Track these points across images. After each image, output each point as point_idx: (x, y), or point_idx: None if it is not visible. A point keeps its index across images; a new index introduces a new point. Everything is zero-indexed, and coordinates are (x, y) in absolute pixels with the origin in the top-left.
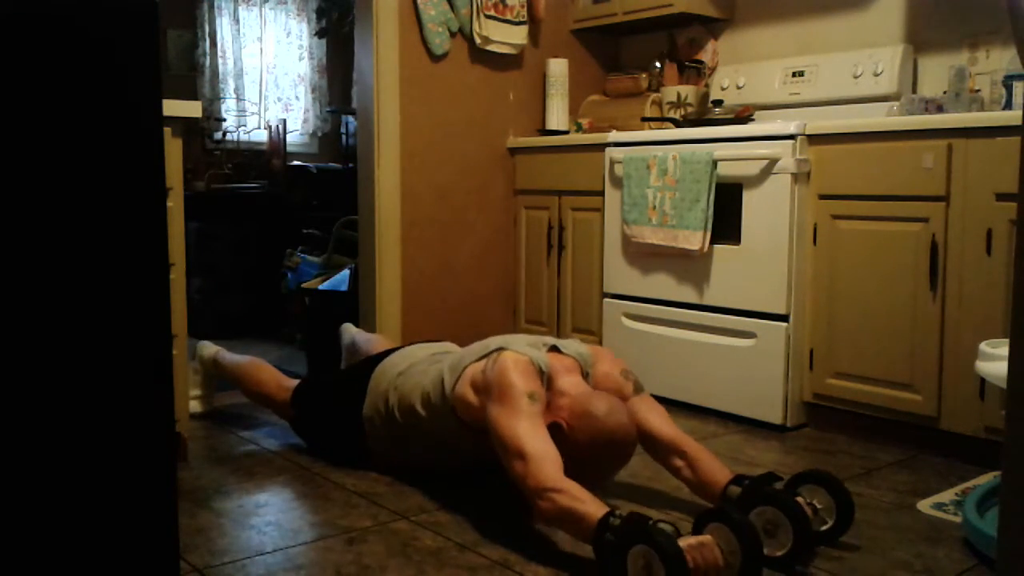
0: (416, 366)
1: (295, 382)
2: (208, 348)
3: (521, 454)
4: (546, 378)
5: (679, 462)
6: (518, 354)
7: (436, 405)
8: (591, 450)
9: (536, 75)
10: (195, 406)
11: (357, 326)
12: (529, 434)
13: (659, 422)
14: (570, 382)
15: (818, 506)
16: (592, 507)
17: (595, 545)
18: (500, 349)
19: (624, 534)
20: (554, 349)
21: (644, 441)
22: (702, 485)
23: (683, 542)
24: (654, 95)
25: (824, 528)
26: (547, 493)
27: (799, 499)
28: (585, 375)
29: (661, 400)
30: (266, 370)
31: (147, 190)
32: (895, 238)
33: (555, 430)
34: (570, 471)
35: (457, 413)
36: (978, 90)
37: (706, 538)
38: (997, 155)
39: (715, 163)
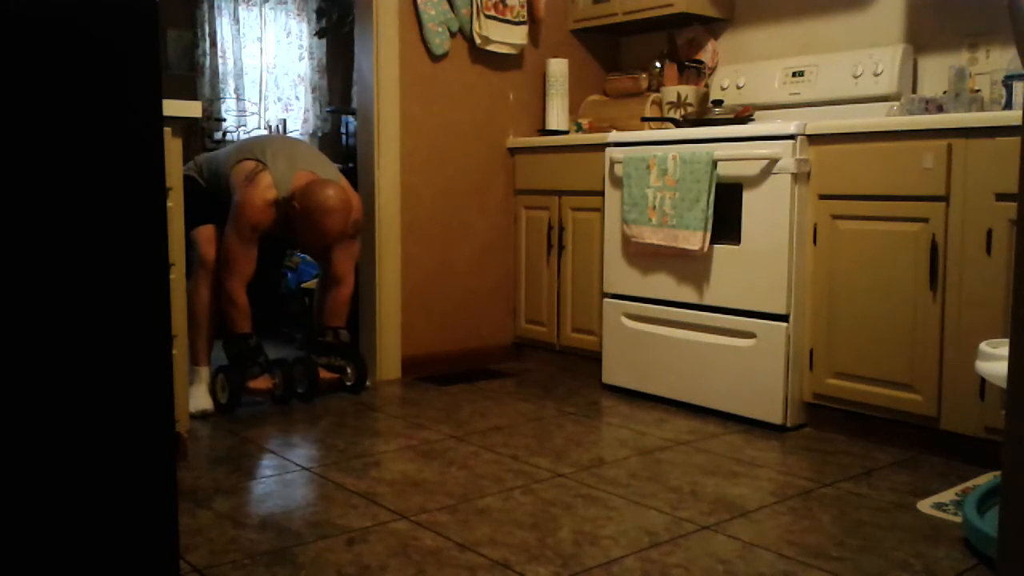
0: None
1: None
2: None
3: (227, 265)
4: (283, 200)
5: (331, 291)
6: (267, 187)
7: (222, 167)
8: (311, 216)
9: (536, 75)
10: (197, 404)
11: (357, 326)
12: (239, 255)
13: (341, 259)
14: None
15: (348, 370)
16: (242, 323)
17: (224, 345)
18: (263, 168)
19: (238, 358)
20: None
21: (330, 265)
22: (323, 314)
23: (253, 383)
24: (654, 95)
25: (348, 383)
26: (227, 299)
27: (322, 371)
28: None
29: (661, 400)
30: (200, 307)
31: (147, 190)
32: (895, 238)
33: (292, 209)
34: (308, 237)
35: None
36: (978, 90)
37: (263, 381)
38: (997, 155)
39: (715, 163)
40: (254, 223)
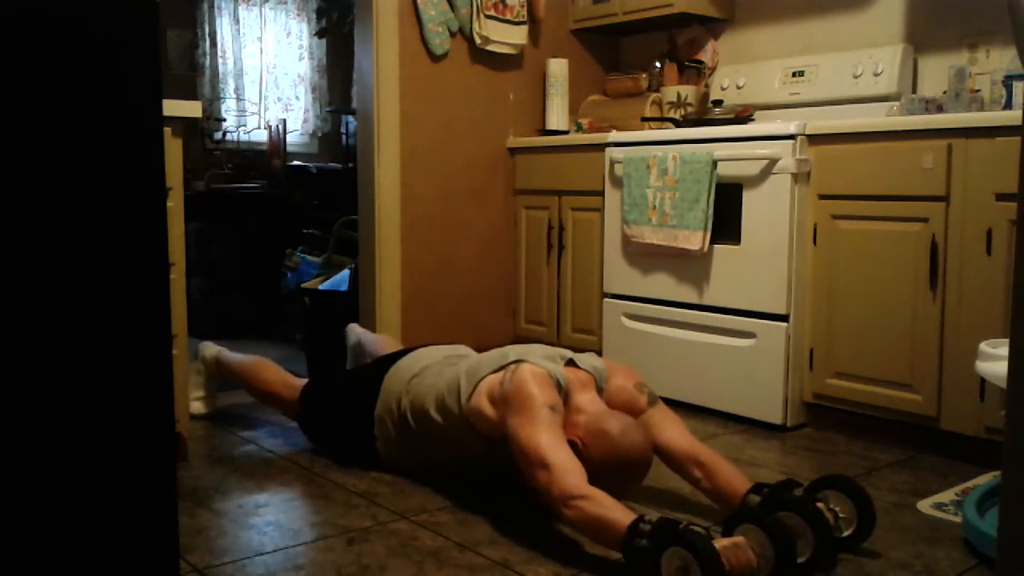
0: (430, 368)
1: (302, 381)
2: (210, 348)
3: (544, 464)
4: (564, 392)
5: (697, 472)
6: (536, 367)
7: (451, 412)
8: (605, 468)
9: (536, 75)
10: (197, 407)
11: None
12: (551, 444)
13: (674, 433)
14: (586, 399)
15: (839, 513)
16: (619, 513)
17: (625, 550)
18: (519, 361)
19: (657, 538)
20: (571, 363)
21: (660, 453)
22: (721, 494)
23: (717, 543)
24: (654, 95)
25: (846, 534)
26: (573, 501)
27: (819, 505)
28: (600, 390)
29: (661, 400)
30: (271, 369)
31: (147, 190)
32: (895, 238)
33: (571, 447)
34: (602, 483)
35: (471, 423)
36: (978, 90)
37: (739, 539)
38: (997, 155)
39: (715, 163)
40: (550, 401)
